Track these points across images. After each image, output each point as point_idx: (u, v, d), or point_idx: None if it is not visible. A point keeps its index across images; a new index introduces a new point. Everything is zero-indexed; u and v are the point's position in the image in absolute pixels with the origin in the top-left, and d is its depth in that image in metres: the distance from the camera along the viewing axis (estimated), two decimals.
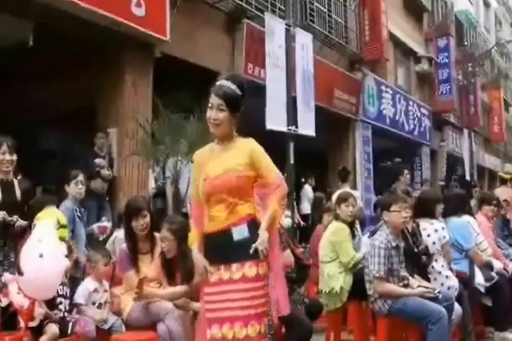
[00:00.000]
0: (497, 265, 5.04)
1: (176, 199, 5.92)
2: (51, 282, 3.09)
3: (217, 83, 2.71)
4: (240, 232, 2.60)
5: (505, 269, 5.15)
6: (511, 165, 24.21)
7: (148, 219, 3.61)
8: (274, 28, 7.23)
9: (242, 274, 2.55)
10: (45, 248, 3.04)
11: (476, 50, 20.49)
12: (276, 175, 2.75)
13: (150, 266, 3.57)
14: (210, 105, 2.68)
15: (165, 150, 5.82)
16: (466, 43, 19.84)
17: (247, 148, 2.73)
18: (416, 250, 4.11)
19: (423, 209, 4.39)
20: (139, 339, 3.33)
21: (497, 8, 26.55)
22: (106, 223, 5.44)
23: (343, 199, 4.52)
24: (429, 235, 4.32)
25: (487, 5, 24.96)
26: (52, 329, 3.07)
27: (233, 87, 2.69)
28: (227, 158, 2.71)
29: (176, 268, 3.48)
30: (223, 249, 2.61)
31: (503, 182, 9.29)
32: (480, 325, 4.73)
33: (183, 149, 5.66)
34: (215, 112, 2.67)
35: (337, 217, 4.47)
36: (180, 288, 3.42)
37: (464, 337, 4.22)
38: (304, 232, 7.52)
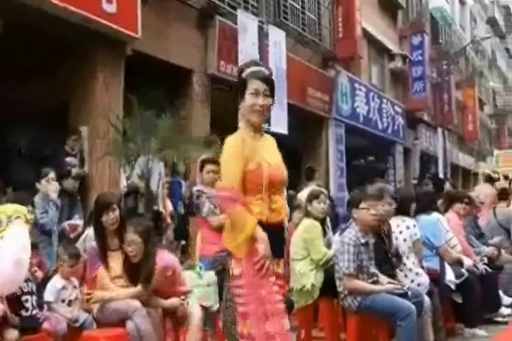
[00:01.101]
0: (467, 262, 5.11)
1: (147, 198, 5.87)
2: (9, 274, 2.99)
3: (255, 68, 2.64)
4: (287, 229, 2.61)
5: (475, 266, 5.22)
6: (485, 164, 24.59)
7: (117, 213, 3.62)
8: (247, 25, 7.21)
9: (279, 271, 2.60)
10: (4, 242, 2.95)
11: (451, 48, 20.73)
12: None
13: (119, 263, 3.56)
14: (254, 91, 2.57)
15: (136, 149, 5.77)
16: (440, 41, 20.05)
17: (275, 145, 2.75)
18: (388, 253, 4.16)
19: (398, 207, 4.42)
20: (109, 335, 3.33)
21: (472, 6, 26.86)
22: (77, 221, 5.41)
23: (315, 196, 4.53)
24: (401, 232, 4.37)
25: (462, 2, 25.23)
26: (10, 336, 2.98)
27: (268, 73, 2.66)
28: (272, 150, 2.70)
29: (139, 270, 3.47)
30: (278, 241, 2.55)
31: (490, 181, 9.40)
32: (450, 321, 4.78)
33: (154, 147, 5.62)
34: (262, 98, 2.57)
35: (308, 214, 4.48)
36: (133, 290, 3.42)
37: (435, 333, 4.26)
38: None
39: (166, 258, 3.63)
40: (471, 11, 26.54)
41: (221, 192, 2.58)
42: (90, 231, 4.21)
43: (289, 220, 5.59)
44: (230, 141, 2.60)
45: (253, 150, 2.57)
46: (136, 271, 3.46)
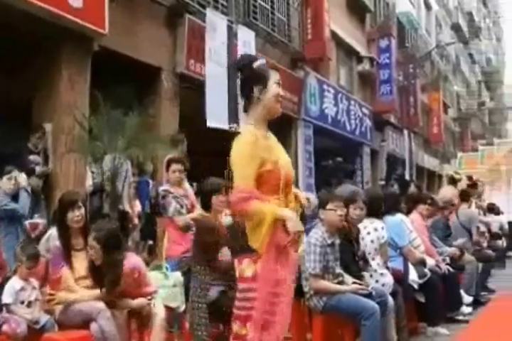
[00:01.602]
0: (430, 262, 5.21)
1: (113, 197, 5.78)
2: None
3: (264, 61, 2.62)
4: None
5: (437, 266, 5.33)
6: (449, 166, 25.12)
7: (83, 211, 3.56)
8: (216, 24, 7.18)
9: None
10: None
11: (417, 52, 21.11)
12: None
13: (84, 263, 3.49)
14: (277, 81, 2.56)
15: (102, 147, 5.68)
16: (407, 45, 20.39)
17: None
18: (355, 255, 4.20)
19: (368, 208, 4.46)
20: (72, 337, 3.27)
21: (437, 11, 27.38)
22: (38, 220, 5.30)
23: None
24: (368, 233, 4.42)
25: (428, 7, 25.71)
26: None
27: None
28: (280, 149, 2.64)
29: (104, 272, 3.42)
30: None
31: (453, 182, 9.64)
32: (413, 320, 4.86)
33: (120, 145, 5.54)
34: (280, 88, 2.57)
35: None
36: (99, 292, 3.37)
37: (398, 332, 4.32)
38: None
39: (132, 259, 3.58)
40: (436, 16, 27.08)
41: (232, 198, 2.42)
42: (54, 231, 4.14)
43: None
44: (245, 138, 2.46)
45: (268, 149, 2.49)
46: (102, 272, 3.40)
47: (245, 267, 2.41)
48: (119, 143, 5.52)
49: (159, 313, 3.52)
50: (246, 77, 2.53)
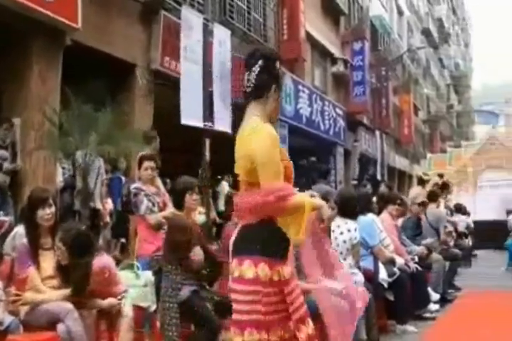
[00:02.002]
0: (399, 261, 5.29)
1: (84, 195, 5.69)
2: None
3: None
4: None
5: (406, 265, 5.42)
6: (419, 167, 25.57)
7: (54, 209, 3.46)
8: (192, 21, 7.12)
9: None
10: None
11: (389, 55, 21.42)
12: None
13: (52, 263, 3.40)
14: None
15: (74, 143, 5.58)
16: (380, 48, 20.67)
17: None
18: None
19: (342, 208, 4.50)
20: (37, 339, 3.19)
21: (409, 17, 27.87)
22: (4, 217, 5.18)
23: None
24: (341, 233, 4.46)
25: (400, 12, 26.14)
26: None
27: None
28: None
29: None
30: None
31: (421, 182, 9.83)
32: (382, 318, 4.92)
33: (92, 142, 5.45)
34: None
35: None
36: (67, 292, 3.28)
37: (368, 330, 4.37)
38: (220, 229, 7.51)
39: (103, 259, 3.52)
40: (408, 21, 27.54)
41: (269, 198, 2.20)
42: (20, 228, 4.05)
43: (229, 220, 5.60)
44: (268, 130, 2.31)
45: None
46: (69, 273, 3.32)
47: (246, 268, 2.25)
48: (90, 139, 5.43)
49: (127, 313, 3.47)
50: (270, 72, 2.41)
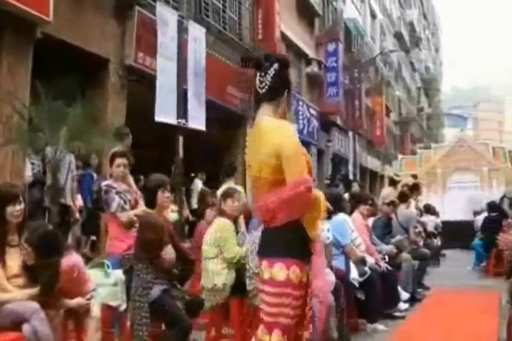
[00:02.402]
0: (370, 260, 5.34)
1: (54, 191, 5.56)
2: None
3: None
4: None
5: (377, 264, 5.48)
6: (390, 168, 25.91)
7: (23, 205, 3.35)
8: (167, 18, 7.06)
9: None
10: None
11: (362, 57, 21.65)
12: None
13: (17, 261, 3.29)
14: None
15: (43, 138, 5.45)
16: (353, 50, 20.86)
17: None
18: None
19: None
20: (2, 340, 3.07)
21: (382, 20, 28.23)
22: None
23: (230, 194, 4.52)
24: None
25: (373, 16, 26.45)
26: None
27: None
28: None
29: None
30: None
31: (393, 183, 9.94)
32: (353, 317, 4.96)
33: (63, 137, 5.34)
34: None
35: (222, 213, 4.46)
36: (33, 291, 3.17)
37: (339, 329, 4.39)
38: (193, 227, 7.46)
39: (72, 258, 3.44)
40: (380, 24, 27.89)
41: (300, 188, 2.24)
42: None
43: (203, 217, 5.57)
44: (291, 127, 2.44)
45: None
46: (35, 272, 3.23)
47: (277, 271, 2.28)
48: (61, 134, 5.31)
49: (96, 313, 3.41)
50: (283, 76, 2.49)
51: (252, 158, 2.46)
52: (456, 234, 11.65)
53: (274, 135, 2.36)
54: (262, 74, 2.46)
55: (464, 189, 15.06)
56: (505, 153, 15.59)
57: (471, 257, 9.84)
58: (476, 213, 12.11)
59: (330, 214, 4.75)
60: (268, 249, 2.36)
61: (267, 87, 2.45)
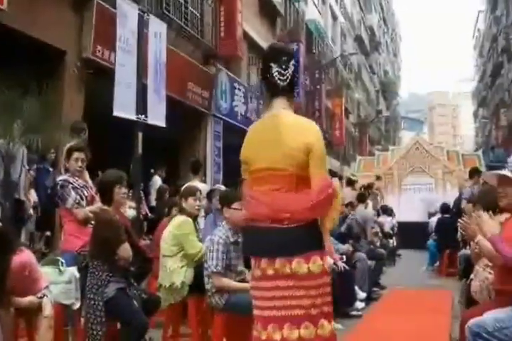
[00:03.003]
0: (329, 260, 5.35)
1: (7, 185, 5.35)
2: None
3: None
4: None
5: (335, 264, 5.51)
6: (349, 168, 26.27)
7: None
8: (127, 12, 6.91)
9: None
10: None
11: (323, 59, 21.86)
12: None
13: None
14: None
15: None
16: (314, 51, 21.04)
17: None
18: None
19: None
20: None
21: (343, 23, 28.63)
22: None
23: (191, 192, 4.49)
24: None
25: (334, 18, 26.78)
26: None
27: None
28: None
29: None
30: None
31: (350, 184, 10.05)
32: None
33: (17, 130, 5.14)
34: None
35: (182, 211, 4.41)
36: None
37: None
38: (151, 224, 7.33)
39: (24, 255, 3.31)
40: (341, 27, 28.27)
41: (329, 190, 2.36)
42: None
43: (168, 215, 5.47)
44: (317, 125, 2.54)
45: None
46: None
47: (315, 264, 2.40)
48: (15, 127, 5.11)
49: (48, 312, 3.30)
50: (296, 72, 2.53)
51: (267, 149, 2.44)
52: (411, 234, 11.89)
53: (304, 131, 2.41)
54: (283, 66, 2.47)
55: (419, 191, 15.43)
56: (458, 157, 16.04)
57: (425, 257, 10.06)
58: (430, 214, 12.41)
59: None
60: (301, 245, 2.40)
61: (288, 79, 2.47)
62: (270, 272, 2.40)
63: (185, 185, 5.28)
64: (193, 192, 4.47)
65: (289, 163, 2.37)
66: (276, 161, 2.39)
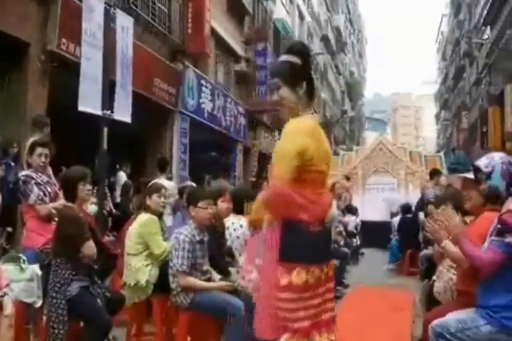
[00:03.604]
0: None
1: None
2: None
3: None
4: None
5: None
6: None
7: None
8: (93, 5, 6.75)
9: None
10: None
11: None
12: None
13: None
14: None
15: None
16: (281, 50, 21.12)
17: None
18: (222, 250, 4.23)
19: (238, 205, 4.50)
20: None
21: (310, 22, 28.81)
22: None
23: (156, 190, 4.46)
24: (235, 229, 4.47)
25: (302, 18, 26.94)
26: None
27: (285, 58, 2.46)
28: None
29: None
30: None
31: None
32: None
33: None
34: (276, 93, 2.47)
35: (146, 208, 4.37)
36: None
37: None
38: (116, 220, 7.22)
39: None
40: (308, 27, 28.46)
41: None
42: None
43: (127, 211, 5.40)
44: None
45: None
46: None
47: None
48: None
49: (8, 310, 3.21)
50: (305, 69, 2.48)
51: (326, 151, 2.52)
52: (374, 234, 12.06)
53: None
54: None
55: (382, 190, 15.66)
56: (421, 158, 16.34)
57: (388, 256, 10.22)
58: (393, 214, 12.62)
59: (241, 211, 4.76)
60: None
61: (287, 77, 2.49)
62: (323, 277, 2.41)
63: (152, 182, 5.23)
64: (157, 189, 4.45)
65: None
66: (329, 166, 2.53)
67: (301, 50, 2.48)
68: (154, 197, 4.37)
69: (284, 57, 2.49)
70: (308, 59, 2.48)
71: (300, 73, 2.44)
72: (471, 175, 3.19)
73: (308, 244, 2.33)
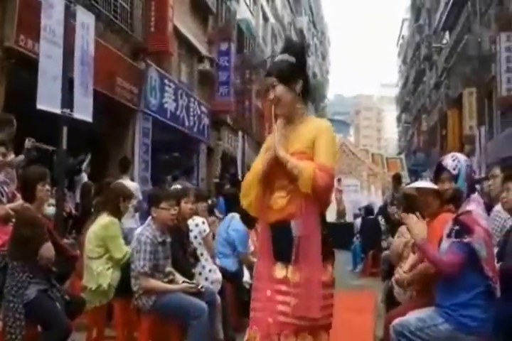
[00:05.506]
0: None
1: None
2: None
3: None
4: (297, 227, 2.35)
5: None
6: None
7: None
8: (53, 1, 6.59)
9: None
10: None
11: (254, 59, 21.97)
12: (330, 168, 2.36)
13: None
14: (267, 89, 2.48)
15: None
16: (245, 51, 21.12)
17: (315, 129, 2.43)
18: (186, 252, 4.21)
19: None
20: None
21: (274, 24, 28.95)
22: None
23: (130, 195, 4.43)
24: (191, 230, 4.48)
25: (266, 19, 27.04)
26: None
27: (281, 57, 2.46)
28: (293, 140, 2.45)
29: None
30: (283, 243, 2.39)
31: None
32: (239, 317, 4.95)
33: None
34: (271, 92, 2.45)
35: (112, 211, 4.28)
36: None
37: (224, 330, 4.39)
38: (76, 222, 7.04)
39: None
40: (272, 28, 28.59)
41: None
42: None
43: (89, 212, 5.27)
44: None
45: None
46: None
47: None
48: None
49: None
50: (301, 68, 2.49)
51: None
52: (337, 235, 12.16)
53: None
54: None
55: (345, 192, 15.87)
56: (383, 160, 16.66)
57: (351, 258, 10.32)
58: (355, 216, 12.77)
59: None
60: None
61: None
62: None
63: (114, 183, 5.12)
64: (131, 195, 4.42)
65: None
66: None
67: (297, 50, 2.52)
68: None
69: (280, 57, 2.52)
70: (304, 58, 2.53)
71: (296, 72, 2.48)
72: (423, 184, 3.31)
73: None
